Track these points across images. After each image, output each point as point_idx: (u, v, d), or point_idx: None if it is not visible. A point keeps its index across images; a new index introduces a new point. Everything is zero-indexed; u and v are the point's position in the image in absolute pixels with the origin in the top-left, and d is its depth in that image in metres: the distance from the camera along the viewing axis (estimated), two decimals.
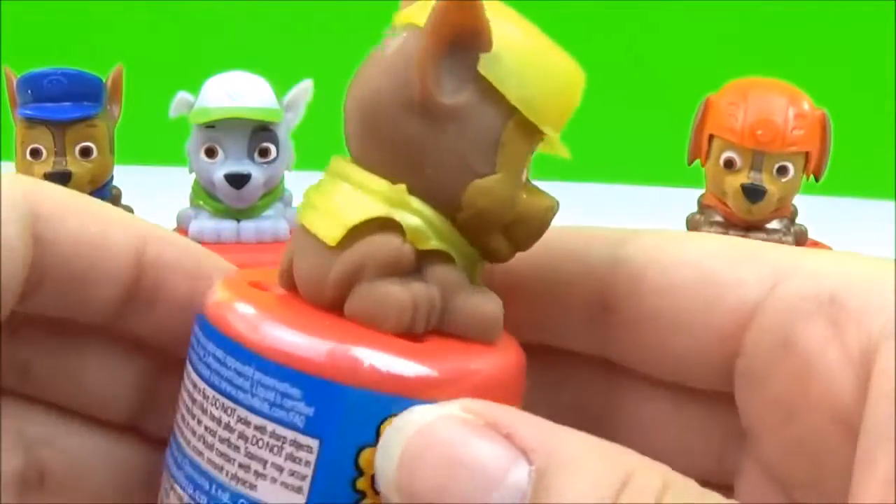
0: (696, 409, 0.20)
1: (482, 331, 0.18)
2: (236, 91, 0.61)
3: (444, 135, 0.17)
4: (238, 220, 0.63)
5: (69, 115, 0.59)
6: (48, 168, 0.59)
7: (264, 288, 0.19)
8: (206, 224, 0.63)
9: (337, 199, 0.18)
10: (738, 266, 0.18)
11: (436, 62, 0.17)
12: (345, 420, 0.16)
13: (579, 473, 0.14)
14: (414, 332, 0.17)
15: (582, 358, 0.21)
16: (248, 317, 0.17)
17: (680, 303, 0.19)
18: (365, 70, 0.18)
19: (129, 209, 0.65)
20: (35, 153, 0.60)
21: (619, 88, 1.09)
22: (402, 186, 0.17)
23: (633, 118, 1.09)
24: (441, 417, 0.15)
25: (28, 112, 0.59)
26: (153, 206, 0.68)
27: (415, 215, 0.17)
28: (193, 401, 0.18)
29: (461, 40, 0.17)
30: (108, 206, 0.20)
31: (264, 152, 0.62)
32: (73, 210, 0.19)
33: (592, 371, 0.21)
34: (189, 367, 0.18)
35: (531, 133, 0.18)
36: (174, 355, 0.20)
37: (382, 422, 0.16)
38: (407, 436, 0.15)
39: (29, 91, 0.59)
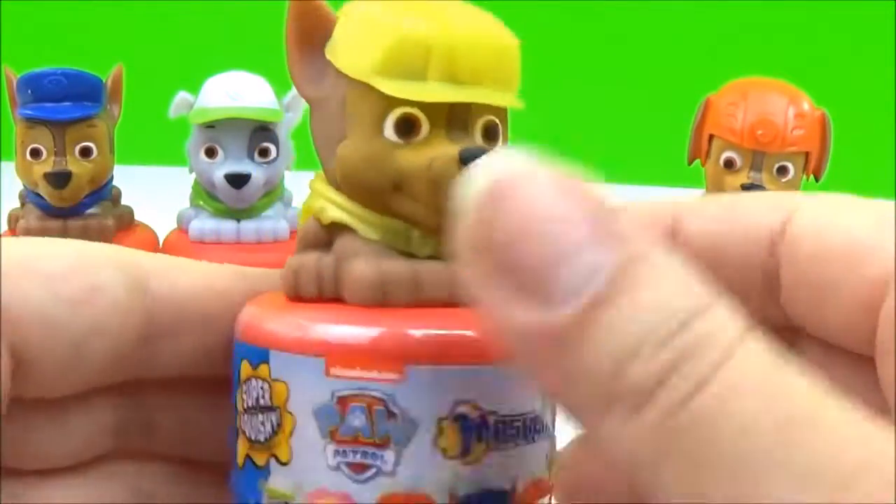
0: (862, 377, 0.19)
1: (352, 293, 0.18)
2: (236, 91, 0.61)
3: (315, 121, 0.19)
4: (238, 220, 0.63)
5: (69, 115, 0.59)
6: (48, 168, 0.59)
7: None
8: (206, 224, 0.63)
9: None
10: (882, 230, 0.18)
11: (295, 60, 0.19)
12: (236, 362, 0.19)
13: (666, 282, 0.14)
14: (304, 296, 0.19)
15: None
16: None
17: (828, 269, 0.18)
18: None
19: (129, 209, 0.65)
20: (35, 153, 0.60)
21: (620, 89, 1.09)
22: (320, 174, 0.19)
23: (634, 118, 1.09)
24: (554, 173, 0.14)
25: (28, 112, 0.59)
26: (153, 206, 0.68)
27: (318, 196, 0.19)
28: None
29: (314, 36, 0.19)
30: (203, 262, 0.21)
31: (264, 152, 0.62)
32: (176, 266, 0.20)
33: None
34: None
35: (371, 93, 0.18)
36: None
37: (241, 361, 0.19)
38: (508, 173, 0.14)
39: (29, 91, 0.59)
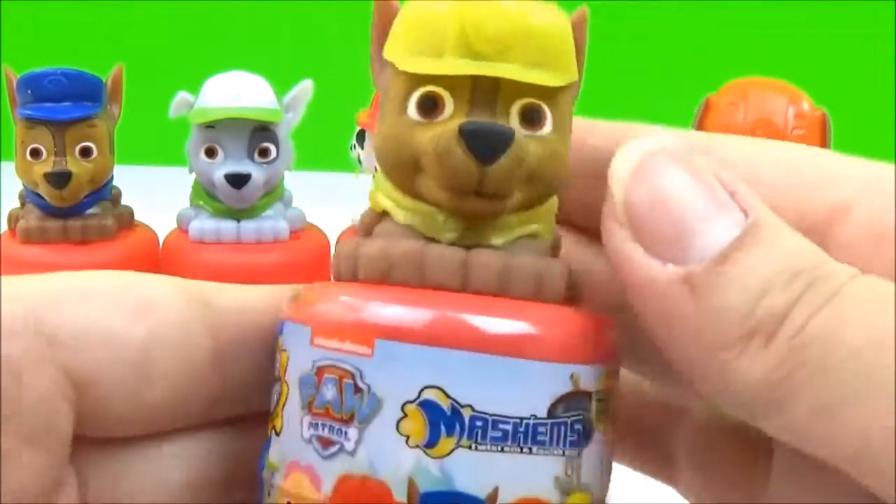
0: None
1: (362, 272, 0.18)
2: (236, 91, 0.61)
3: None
4: (238, 220, 0.63)
5: (69, 115, 0.59)
6: (48, 168, 0.59)
7: None
8: (206, 224, 0.63)
9: None
10: (834, 162, 0.18)
11: (373, 56, 0.19)
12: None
13: (785, 240, 0.16)
14: (343, 279, 0.19)
15: None
16: None
17: (770, 188, 0.18)
18: None
19: (129, 209, 0.65)
20: (35, 153, 0.60)
21: (619, 89, 1.09)
22: None
23: (634, 118, 1.09)
24: (692, 157, 0.17)
25: (28, 112, 0.59)
26: (153, 206, 0.68)
27: (376, 185, 0.19)
28: None
29: (384, 33, 0.19)
30: (265, 285, 0.20)
31: (264, 152, 0.62)
32: (236, 287, 0.19)
33: None
34: None
35: (399, 73, 0.18)
36: None
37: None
38: (664, 149, 0.17)
39: (29, 91, 0.59)
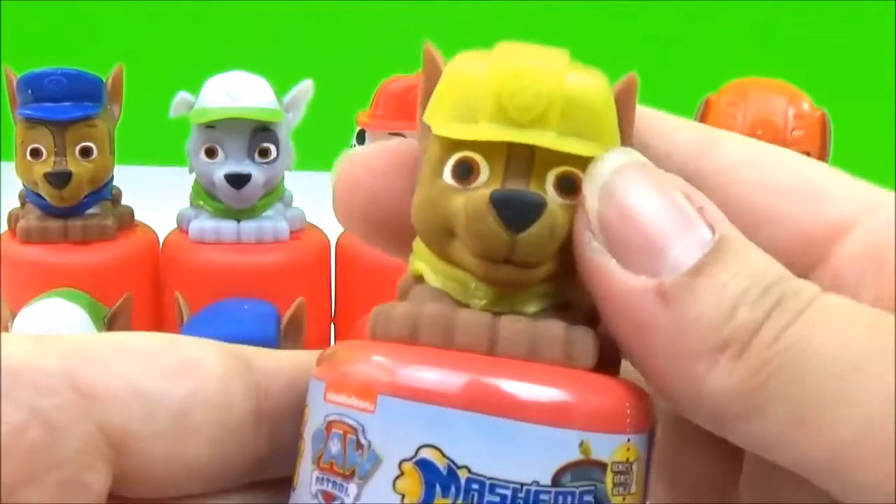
0: None
1: (388, 332, 0.18)
2: (236, 91, 0.61)
3: None
4: (238, 221, 0.63)
5: (69, 115, 0.59)
6: (48, 168, 0.59)
7: None
8: (206, 224, 0.63)
9: None
10: (839, 181, 0.19)
11: (419, 112, 0.19)
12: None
13: (752, 255, 0.17)
14: (376, 339, 0.18)
15: None
16: None
17: (774, 200, 0.18)
18: None
19: (129, 209, 0.65)
20: (35, 153, 0.60)
21: None
22: None
23: None
24: (665, 181, 0.17)
25: (28, 112, 0.59)
26: (153, 206, 0.68)
27: (414, 252, 0.19)
28: None
29: (430, 94, 0.19)
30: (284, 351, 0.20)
31: (264, 152, 0.62)
32: (278, 351, 0.19)
33: None
34: None
35: (436, 138, 0.18)
36: None
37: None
38: (634, 163, 0.17)
39: (29, 91, 0.59)
